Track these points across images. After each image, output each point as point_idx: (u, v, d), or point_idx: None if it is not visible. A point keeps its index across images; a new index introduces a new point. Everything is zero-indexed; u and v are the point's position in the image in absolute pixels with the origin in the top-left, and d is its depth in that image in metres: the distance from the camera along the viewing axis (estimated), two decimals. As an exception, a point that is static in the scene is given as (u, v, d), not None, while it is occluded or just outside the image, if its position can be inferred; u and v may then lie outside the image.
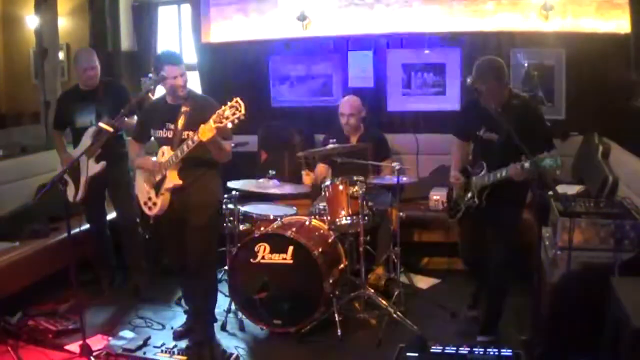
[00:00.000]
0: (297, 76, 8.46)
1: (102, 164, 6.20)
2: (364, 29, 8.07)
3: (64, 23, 9.42)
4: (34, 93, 9.13)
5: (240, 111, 4.59)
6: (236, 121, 4.61)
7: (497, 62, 4.95)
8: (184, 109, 5.11)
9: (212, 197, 5.41)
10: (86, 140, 6.26)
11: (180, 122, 5.09)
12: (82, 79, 6.45)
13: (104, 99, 6.35)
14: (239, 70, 8.59)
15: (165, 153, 5.14)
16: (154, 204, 5.31)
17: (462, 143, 5.51)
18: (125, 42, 9.22)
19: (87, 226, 6.69)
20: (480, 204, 5.07)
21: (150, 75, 5.69)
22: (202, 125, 4.71)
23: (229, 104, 4.62)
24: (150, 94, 5.72)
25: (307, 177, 6.85)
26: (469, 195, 5.19)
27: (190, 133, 4.93)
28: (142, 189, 5.44)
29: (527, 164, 4.51)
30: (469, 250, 5.55)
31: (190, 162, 5.10)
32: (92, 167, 6.22)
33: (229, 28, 8.55)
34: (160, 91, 5.56)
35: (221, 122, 4.62)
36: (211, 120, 4.65)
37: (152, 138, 5.40)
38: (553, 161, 4.34)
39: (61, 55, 9.12)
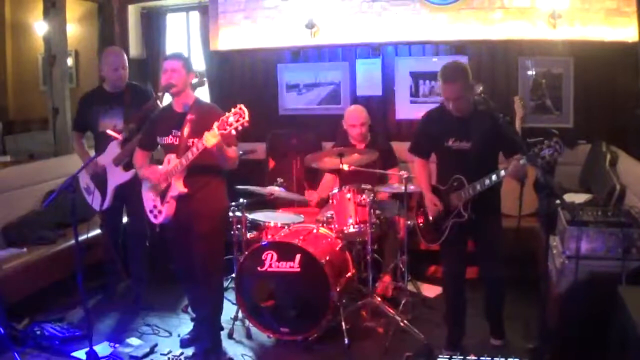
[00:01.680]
0: (305, 84, 8.48)
1: (133, 171, 6.01)
2: (372, 37, 8.08)
3: (73, 29, 9.45)
4: (42, 99, 9.16)
5: (243, 118, 4.59)
6: (240, 128, 4.61)
7: (463, 64, 4.95)
8: (190, 116, 5.11)
9: (217, 205, 5.40)
10: (114, 150, 6.15)
11: (186, 129, 5.08)
12: (111, 79, 6.35)
13: (132, 103, 6.25)
14: (247, 78, 8.64)
15: (171, 161, 5.14)
16: (160, 212, 5.30)
17: (425, 162, 5.40)
18: (134, 49, 9.24)
19: (94, 233, 6.68)
20: (470, 218, 4.96)
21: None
22: (206, 133, 4.71)
23: (233, 110, 4.62)
24: (158, 102, 5.70)
25: (310, 195, 6.91)
26: (454, 213, 5.04)
27: (196, 140, 4.94)
28: (147, 197, 5.44)
29: (522, 161, 4.47)
30: (459, 278, 5.31)
31: (196, 169, 5.09)
32: (122, 175, 6.17)
33: (237, 35, 8.57)
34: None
35: (225, 129, 4.63)
36: (215, 127, 4.66)
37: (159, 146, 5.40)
38: (552, 150, 4.22)
39: (70, 61, 9.15)
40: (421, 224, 5.50)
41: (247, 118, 4.59)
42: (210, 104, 5.53)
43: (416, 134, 5.60)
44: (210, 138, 4.68)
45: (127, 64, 6.39)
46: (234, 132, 4.63)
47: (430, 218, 5.29)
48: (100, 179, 6.25)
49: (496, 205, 5.18)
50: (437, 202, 5.16)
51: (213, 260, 5.36)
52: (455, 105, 4.85)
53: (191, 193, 5.16)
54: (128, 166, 6.12)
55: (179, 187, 5.13)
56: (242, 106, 4.62)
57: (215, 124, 4.67)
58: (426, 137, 5.32)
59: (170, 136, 5.20)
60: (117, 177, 6.20)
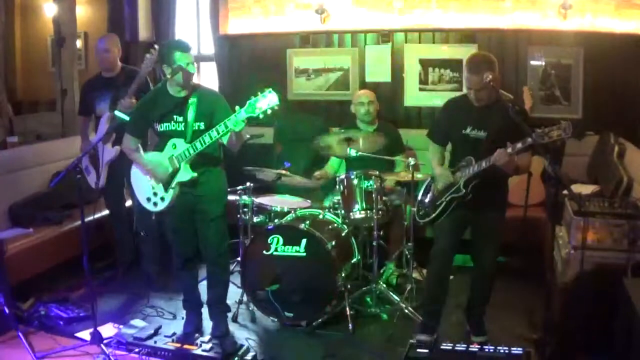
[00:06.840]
0: (314, 69, 8.44)
1: (117, 148, 6.18)
2: (382, 24, 8.04)
3: (82, 11, 9.46)
4: (50, 81, 9.16)
5: (274, 102, 4.63)
6: (269, 112, 4.65)
7: (490, 56, 4.92)
8: (191, 100, 5.08)
9: (223, 187, 5.44)
10: (103, 127, 6.27)
11: (191, 113, 5.05)
12: (100, 62, 6.52)
13: (123, 86, 6.30)
14: (256, 62, 8.60)
15: (178, 145, 5.09)
16: (162, 199, 5.26)
17: (440, 148, 5.39)
18: (143, 32, 9.19)
19: (101, 214, 6.73)
20: (467, 195, 4.93)
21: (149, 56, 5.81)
22: (232, 116, 4.71)
23: (261, 94, 4.65)
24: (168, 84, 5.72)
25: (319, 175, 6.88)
26: (453, 188, 5.02)
27: (202, 125, 4.99)
28: (143, 185, 5.38)
29: (519, 145, 4.50)
30: (447, 259, 5.21)
31: (203, 154, 5.08)
32: (108, 153, 6.27)
33: (246, 20, 8.55)
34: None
35: (253, 113, 4.64)
36: (243, 111, 4.66)
37: (154, 130, 5.32)
38: (560, 130, 4.28)
39: (79, 43, 9.16)
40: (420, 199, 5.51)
41: (277, 102, 4.63)
42: (209, 88, 5.47)
43: (436, 120, 5.68)
44: (240, 121, 4.69)
45: (112, 48, 6.51)
46: (261, 116, 4.64)
47: (435, 190, 5.29)
48: (95, 158, 6.36)
49: (502, 199, 5.17)
50: (449, 172, 5.13)
51: (224, 240, 5.42)
52: (476, 96, 4.84)
53: (198, 177, 5.16)
54: (115, 143, 6.24)
55: (188, 172, 5.11)
56: (272, 90, 4.66)
57: (242, 108, 4.68)
58: (445, 123, 5.29)
59: (172, 122, 5.14)
60: (106, 154, 6.31)
